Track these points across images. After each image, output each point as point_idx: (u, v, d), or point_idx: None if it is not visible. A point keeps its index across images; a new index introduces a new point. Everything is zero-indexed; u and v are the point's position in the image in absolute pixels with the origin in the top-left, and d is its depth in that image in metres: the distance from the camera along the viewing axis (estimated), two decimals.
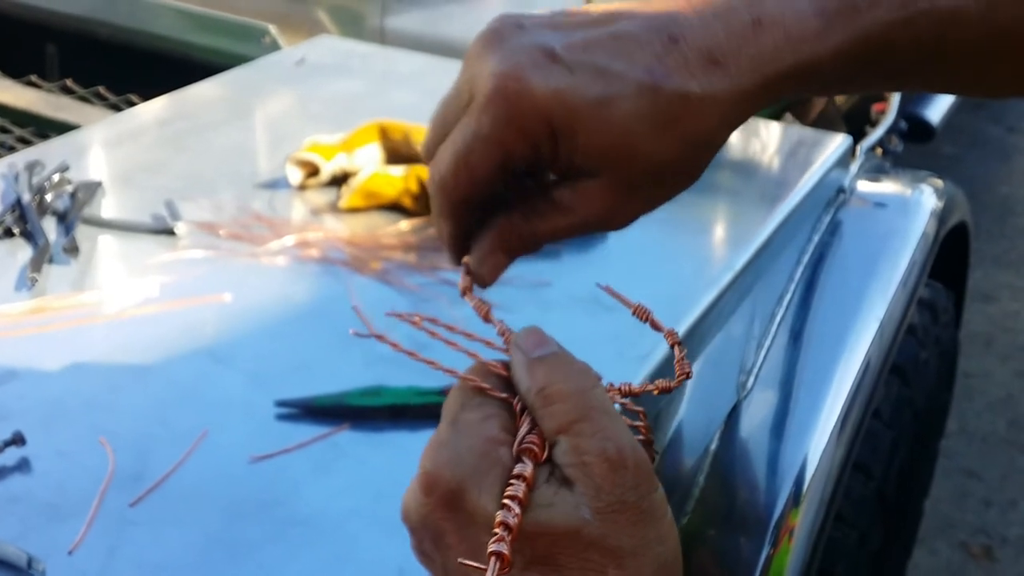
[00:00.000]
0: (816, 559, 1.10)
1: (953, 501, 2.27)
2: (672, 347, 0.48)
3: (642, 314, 0.49)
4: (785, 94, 0.47)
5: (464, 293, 0.51)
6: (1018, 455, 2.43)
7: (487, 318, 0.49)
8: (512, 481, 0.40)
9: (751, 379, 1.13)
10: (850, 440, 1.14)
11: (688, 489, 1.10)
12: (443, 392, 0.79)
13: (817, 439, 1.11)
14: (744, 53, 0.45)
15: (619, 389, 0.47)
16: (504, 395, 0.45)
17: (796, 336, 1.18)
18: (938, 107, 2.47)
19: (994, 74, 0.50)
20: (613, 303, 1.00)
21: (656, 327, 0.49)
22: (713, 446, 1.11)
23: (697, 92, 0.45)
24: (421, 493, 0.42)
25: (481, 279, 0.51)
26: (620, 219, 0.49)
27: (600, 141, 0.45)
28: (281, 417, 0.81)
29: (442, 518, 0.41)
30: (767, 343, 1.15)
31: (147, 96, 1.43)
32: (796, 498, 1.09)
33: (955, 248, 1.55)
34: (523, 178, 0.49)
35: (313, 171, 1.11)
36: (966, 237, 1.57)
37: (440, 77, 1.46)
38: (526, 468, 0.41)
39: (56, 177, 1.09)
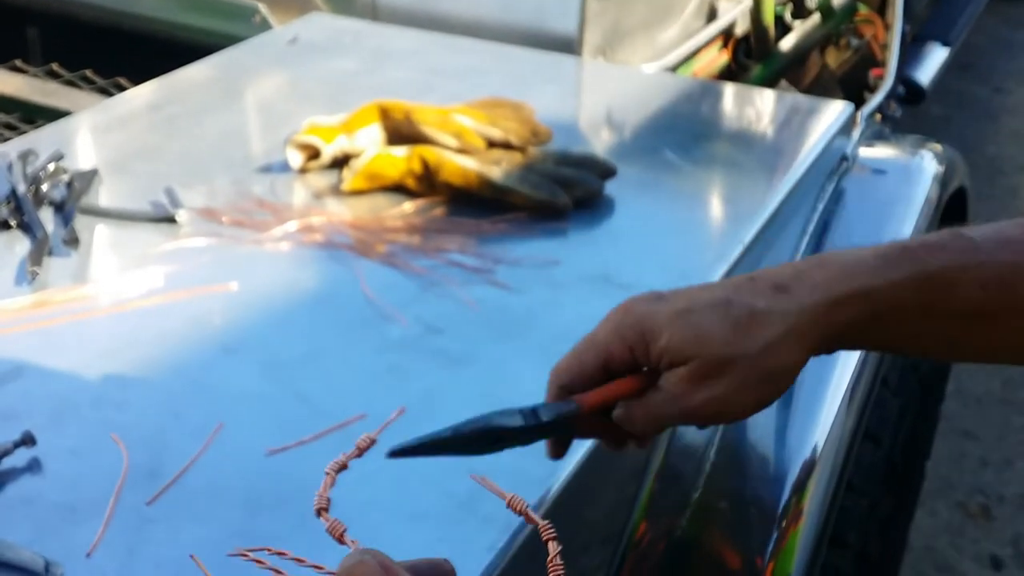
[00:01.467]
0: (828, 529, 1.10)
1: (950, 462, 2.28)
2: (545, 543, 0.46)
3: (516, 506, 0.50)
4: (848, 317, 0.55)
5: (319, 513, 0.52)
6: (1013, 415, 2.44)
7: (340, 539, 0.50)
8: None
9: None
10: (860, 409, 1.14)
11: (699, 464, 1.09)
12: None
13: (827, 409, 1.11)
14: (806, 283, 0.55)
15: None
16: None
17: None
18: (927, 69, 2.46)
19: None
20: (623, 281, 0.99)
21: (530, 520, 0.49)
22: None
23: (762, 307, 0.55)
24: None
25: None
26: (701, 403, 0.56)
27: (681, 336, 0.56)
28: (296, 408, 0.80)
29: None
30: None
31: (136, 79, 1.40)
32: (808, 468, 1.08)
33: (955, 212, 1.54)
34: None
35: (314, 154, 1.10)
36: (965, 201, 1.56)
37: (435, 53, 1.45)
38: None
39: (51, 166, 1.06)
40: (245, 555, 0.48)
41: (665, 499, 1.03)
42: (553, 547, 0.45)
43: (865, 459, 1.20)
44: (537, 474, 0.75)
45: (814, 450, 1.09)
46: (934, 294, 0.55)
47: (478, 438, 0.63)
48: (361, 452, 0.51)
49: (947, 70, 2.69)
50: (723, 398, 0.56)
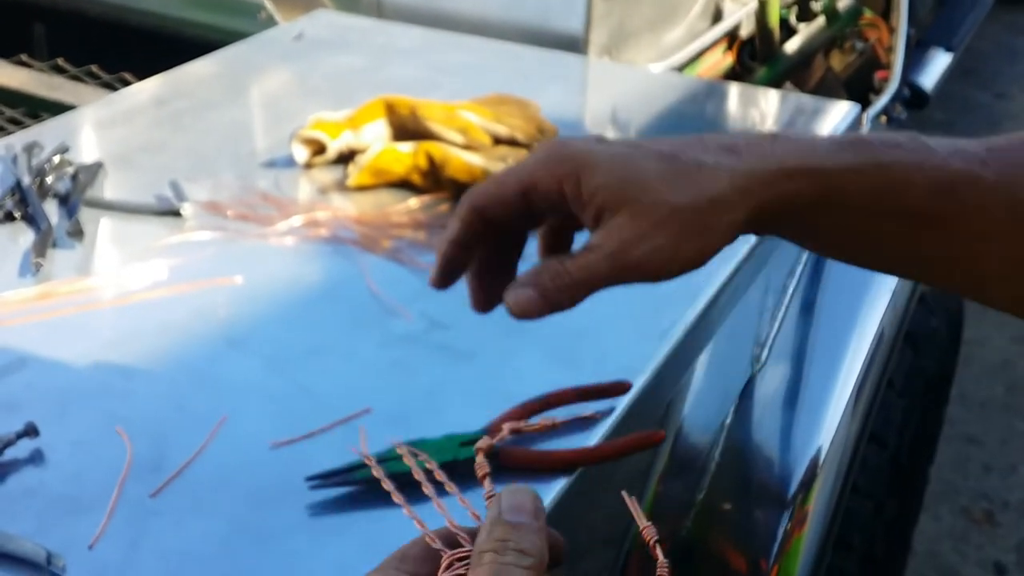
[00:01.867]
0: (834, 531, 1.10)
1: (954, 467, 2.27)
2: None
3: (648, 536, 0.47)
4: (796, 190, 0.51)
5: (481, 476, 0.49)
6: (1017, 420, 2.43)
7: (482, 480, 0.48)
8: None
9: (765, 352, 1.12)
10: (865, 411, 1.13)
11: (704, 464, 1.09)
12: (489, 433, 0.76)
13: (833, 410, 1.10)
14: (756, 150, 0.52)
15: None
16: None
17: (808, 308, 1.17)
18: (931, 74, 2.46)
19: (985, 251, 0.53)
20: None
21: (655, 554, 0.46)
22: (728, 420, 1.10)
23: (710, 162, 0.51)
24: None
25: (509, 308, 0.52)
26: (645, 255, 0.50)
27: (621, 176, 0.51)
28: (301, 401, 0.80)
29: None
30: (780, 315, 1.14)
31: (141, 75, 1.40)
32: (813, 470, 1.08)
33: None
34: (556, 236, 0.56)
35: (319, 149, 1.09)
36: None
37: (440, 51, 1.45)
38: None
39: (56, 159, 1.06)
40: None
41: (669, 501, 1.02)
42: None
43: (871, 461, 1.19)
44: (541, 475, 0.74)
45: (819, 452, 1.08)
46: (886, 187, 0.51)
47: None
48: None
49: (950, 76, 2.69)
50: (668, 249, 0.50)
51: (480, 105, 1.12)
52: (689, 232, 0.50)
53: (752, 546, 1.05)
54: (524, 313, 0.51)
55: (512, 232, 0.55)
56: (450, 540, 0.44)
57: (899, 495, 1.32)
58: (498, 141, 1.09)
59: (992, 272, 0.53)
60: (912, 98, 2.15)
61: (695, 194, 0.50)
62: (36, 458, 0.74)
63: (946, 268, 0.55)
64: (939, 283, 0.59)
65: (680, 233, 0.50)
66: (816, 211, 0.52)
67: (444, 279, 0.56)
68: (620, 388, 0.80)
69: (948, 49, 2.47)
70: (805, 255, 1.17)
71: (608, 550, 0.93)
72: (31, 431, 0.74)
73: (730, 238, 0.51)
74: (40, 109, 1.44)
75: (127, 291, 0.90)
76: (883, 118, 1.44)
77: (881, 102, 1.42)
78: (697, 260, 0.51)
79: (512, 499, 0.44)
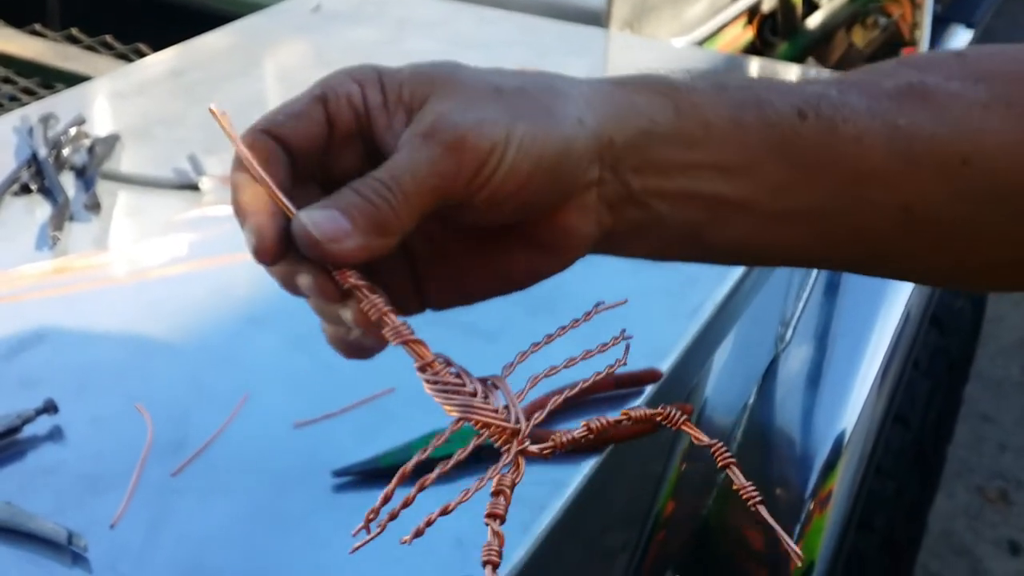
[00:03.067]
0: (857, 513, 1.09)
1: (969, 445, 2.26)
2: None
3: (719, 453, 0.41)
4: (649, 109, 0.43)
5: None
6: None
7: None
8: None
9: (789, 332, 1.11)
10: (891, 391, 1.12)
11: (726, 444, 1.08)
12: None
13: (857, 391, 1.09)
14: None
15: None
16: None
17: (833, 287, 1.15)
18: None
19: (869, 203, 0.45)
20: None
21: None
22: (751, 401, 1.09)
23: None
24: None
25: (305, 235, 0.39)
26: (471, 126, 0.40)
27: (428, 68, 0.42)
28: (323, 380, 0.78)
29: None
30: (805, 295, 1.12)
31: (155, 45, 1.38)
32: (837, 451, 1.07)
33: None
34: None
35: None
36: None
37: (459, 24, 1.42)
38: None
39: (73, 131, 1.04)
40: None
41: (692, 480, 1.01)
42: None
43: (894, 442, 1.18)
44: (571, 455, 0.73)
45: (843, 433, 1.07)
46: (743, 104, 0.43)
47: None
48: None
49: None
50: (500, 125, 0.40)
51: None
52: (522, 109, 0.40)
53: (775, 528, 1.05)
54: (330, 239, 0.39)
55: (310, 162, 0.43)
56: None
57: (920, 476, 1.31)
58: None
59: (884, 226, 0.45)
60: None
61: (531, 81, 0.42)
62: (55, 435, 0.73)
63: (826, 226, 0.45)
64: (816, 249, 0.47)
65: (510, 109, 0.40)
66: (675, 138, 0.42)
67: (277, 242, 0.41)
68: (651, 376, 0.78)
69: (969, 26, 2.43)
70: None
71: (632, 527, 0.92)
72: (50, 408, 0.73)
73: (573, 134, 0.41)
74: (54, 79, 1.42)
75: (145, 266, 0.89)
76: None
77: None
78: (539, 154, 0.40)
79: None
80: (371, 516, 0.36)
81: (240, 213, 0.41)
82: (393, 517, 0.36)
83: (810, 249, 0.47)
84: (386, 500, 0.36)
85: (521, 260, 0.45)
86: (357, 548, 0.36)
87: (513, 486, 0.36)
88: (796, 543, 1.04)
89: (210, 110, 0.40)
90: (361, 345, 0.44)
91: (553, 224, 0.44)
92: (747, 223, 0.45)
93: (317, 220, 0.39)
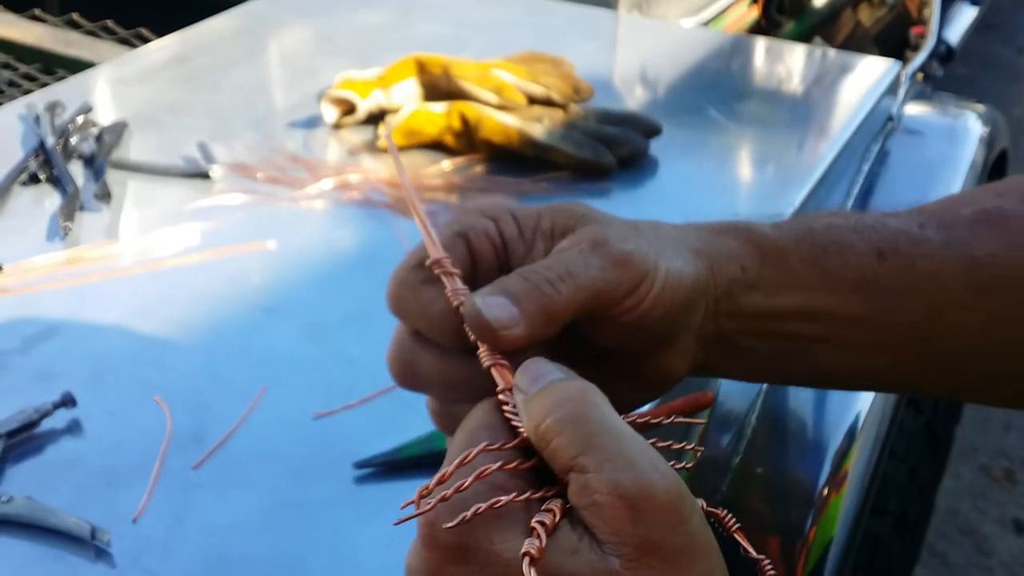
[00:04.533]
0: (871, 496, 1.09)
1: (975, 426, 2.27)
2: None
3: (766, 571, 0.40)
4: (736, 254, 0.46)
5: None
6: None
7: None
8: (535, 524, 0.35)
9: None
10: None
11: (740, 429, 1.07)
12: None
13: None
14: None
15: (634, 420, 0.41)
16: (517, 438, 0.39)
17: None
18: (957, 29, 2.42)
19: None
20: None
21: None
22: (764, 387, 1.08)
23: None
24: (424, 549, 0.36)
25: (479, 321, 0.41)
26: (632, 249, 0.42)
27: (567, 205, 0.45)
28: (341, 370, 0.78)
29: (453, 574, 0.36)
30: None
31: (157, 29, 1.36)
32: (851, 435, 1.06)
33: (995, 175, 1.51)
34: None
35: (349, 109, 1.06)
36: (1005, 164, 1.53)
37: (466, 6, 1.41)
38: (545, 516, 0.35)
39: (80, 119, 1.03)
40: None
41: (707, 464, 1.01)
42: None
43: (907, 426, 1.18)
44: None
45: (857, 416, 1.07)
46: (823, 248, 0.45)
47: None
48: None
49: (973, 30, 2.65)
50: (650, 252, 0.42)
51: (514, 63, 1.08)
52: (662, 248, 0.43)
53: (789, 510, 1.04)
54: (502, 326, 0.40)
55: None
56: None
57: (931, 459, 1.31)
58: (533, 101, 1.06)
59: (960, 351, 0.47)
60: (945, 54, 2.11)
61: (653, 226, 0.45)
62: (74, 429, 0.72)
63: (905, 354, 0.47)
64: (897, 375, 0.49)
65: (654, 245, 0.43)
66: (761, 284, 0.45)
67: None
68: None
69: (974, 3, 2.42)
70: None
71: None
72: (68, 401, 0.72)
73: (698, 279, 0.44)
74: (56, 65, 1.41)
75: (158, 256, 0.88)
76: (919, 75, 1.40)
77: (919, 59, 1.38)
78: (676, 290, 0.43)
79: (526, 375, 0.39)
80: (424, 492, 0.36)
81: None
82: (444, 499, 0.35)
83: (895, 375, 0.49)
84: (441, 481, 0.36)
85: (620, 389, 0.45)
86: (402, 521, 0.35)
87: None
88: (811, 527, 1.04)
89: (387, 137, 0.39)
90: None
91: (657, 361, 0.46)
92: (831, 355, 0.47)
93: (490, 304, 0.41)
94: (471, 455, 0.36)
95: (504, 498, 0.35)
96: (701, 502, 0.37)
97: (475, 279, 0.44)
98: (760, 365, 0.48)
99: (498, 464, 0.36)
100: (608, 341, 0.45)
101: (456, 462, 0.36)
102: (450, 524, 0.35)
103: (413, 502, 0.36)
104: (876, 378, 0.49)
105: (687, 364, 0.46)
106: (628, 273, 0.42)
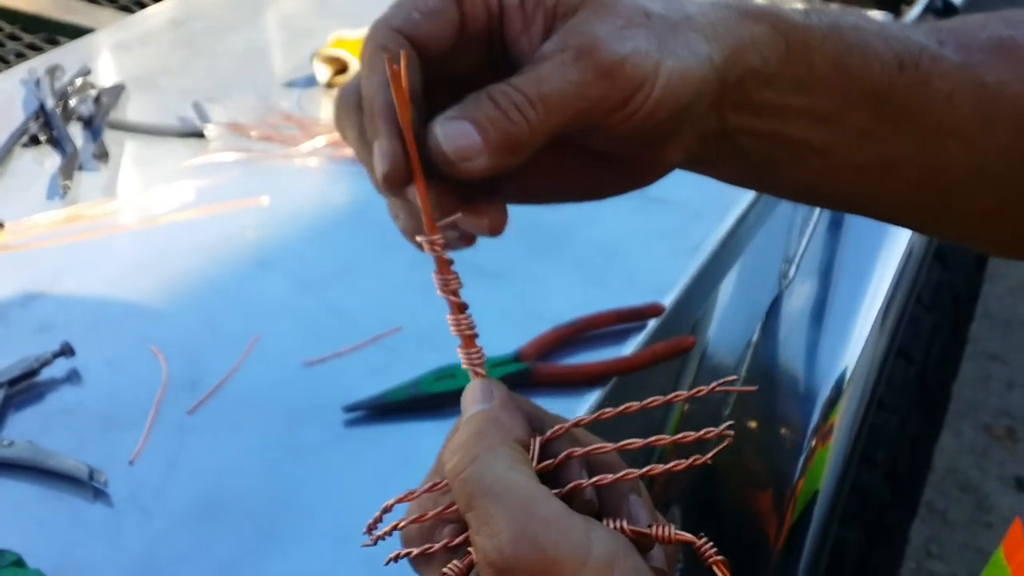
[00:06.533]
0: (859, 447, 1.10)
1: (976, 384, 2.28)
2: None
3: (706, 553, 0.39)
4: (762, 44, 0.42)
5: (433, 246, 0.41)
6: None
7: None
8: (446, 570, 0.37)
9: (793, 268, 1.12)
10: (894, 326, 1.13)
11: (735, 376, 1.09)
12: (519, 358, 0.75)
13: (860, 326, 1.10)
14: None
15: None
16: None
17: (837, 223, 1.15)
18: None
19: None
20: (658, 195, 0.98)
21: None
22: (755, 338, 1.10)
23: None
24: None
25: (441, 147, 0.37)
26: (626, 56, 0.38)
27: None
28: (332, 320, 0.80)
29: None
30: (808, 231, 1.13)
31: None
32: (839, 386, 1.08)
33: None
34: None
35: (341, 68, 1.08)
36: None
37: None
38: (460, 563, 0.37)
39: (78, 81, 1.05)
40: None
41: (695, 419, 1.03)
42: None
43: (897, 376, 1.20)
44: (575, 388, 0.75)
45: (846, 368, 1.08)
46: (847, 50, 0.43)
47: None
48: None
49: None
50: (652, 56, 0.38)
51: None
52: (669, 41, 0.39)
53: (777, 462, 1.06)
54: (462, 157, 0.37)
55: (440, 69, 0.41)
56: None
57: (923, 411, 1.32)
58: None
59: (953, 184, 0.46)
60: (942, 8, 2.09)
61: (670, 5, 0.41)
62: (73, 377, 0.75)
63: (898, 179, 0.46)
64: (885, 200, 0.48)
65: (660, 40, 0.39)
66: (779, 79, 0.43)
67: (402, 168, 0.38)
68: (653, 311, 0.80)
69: None
70: None
71: (636, 467, 0.94)
72: (67, 350, 0.74)
73: (706, 74, 0.40)
74: (58, 33, 1.42)
75: (155, 213, 0.90)
76: None
77: (914, 13, 1.38)
78: (680, 91, 0.39)
79: (467, 395, 0.40)
80: (376, 520, 0.40)
81: (371, 126, 0.39)
82: (394, 529, 0.39)
83: (880, 199, 0.47)
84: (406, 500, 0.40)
85: (607, 178, 0.44)
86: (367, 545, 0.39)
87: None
88: (799, 477, 1.06)
89: (388, 65, 0.37)
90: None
91: (650, 153, 0.43)
92: (824, 167, 0.45)
93: (450, 133, 0.37)
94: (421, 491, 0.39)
95: (436, 545, 0.37)
96: (670, 528, 0.38)
97: (460, 46, 0.40)
98: (752, 168, 0.46)
99: (433, 512, 0.38)
100: (599, 144, 0.42)
101: (420, 490, 0.39)
102: (386, 560, 0.38)
103: (378, 519, 0.39)
104: (865, 199, 0.48)
105: (681, 155, 0.43)
106: (619, 84, 0.38)
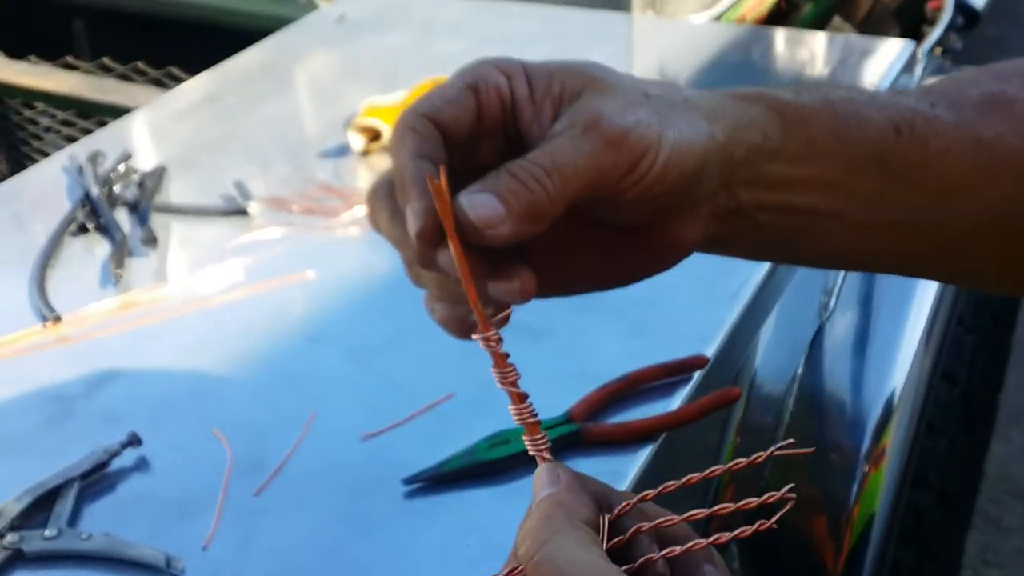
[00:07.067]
0: (911, 469, 1.11)
1: (1022, 390, 2.26)
2: None
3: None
4: (759, 124, 0.45)
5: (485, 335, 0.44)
6: None
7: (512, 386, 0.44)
8: None
9: (833, 300, 1.13)
10: (936, 350, 1.14)
11: (779, 415, 1.10)
12: (570, 419, 0.77)
13: (904, 351, 1.11)
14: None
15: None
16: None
17: None
18: None
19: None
20: None
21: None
22: (799, 371, 1.11)
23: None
24: None
25: (468, 217, 0.40)
26: (631, 128, 0.41)
27: (578, 65, 0.44)
28: (385, 391, 0.82)
29: None
30: None
31: (187, 67, 1.42)
32: (887, 412, 1.09)
33: None
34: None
35: (375, 135, 1.11)
36: None
37: (483, 21, 1.45)
38: None
39: (121, 167, 1.08)
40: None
41: (747, 451, 1.04)
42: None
43: (943, 398, 1.20)
44: (625, 447, 0.76)
45: (892, 394, 1.09)
46: (843, 122, 0.45)
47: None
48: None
49: None
50: (654, 127, 0.42)
51: None
52: (670, 117, 0.43)
53: (832, 489, 1.07)
54: (487, 225, 0.40)
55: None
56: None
57: (970, 429, 1.32)
58: None
59: (964, 234, 0.48)
60: (964, 21, 2.10)
61: (667, 90, 0.44)
62: (141, 465, 0.77)
63: (912, 234, 0.48)
64: (902, 256, 0.50)
65: (660, 115, 0.42)
66: (783, 153, 0.45)
67: (432, 236, 0.41)
68: (698, 362, 0.81)
69: None
70: None
71: (693, 502, 0.95)
72: (134, 440, 0.77)
73: (709, 147, 0.43)
74: (93, 111, 1.47)
75: (206, 295, 0.93)
76: (938, 50, 1.41)
77: (935, 34, 1.39)
78: (683, 160, 0.42)
79: (536, 481, 0.42)
80: None
81: (402, 195, 0.42)
82: None
83: (898, 256, 0.50)
84: None
85: (630, 261, 0.47)
86: None
87: None
88: (854, 504, 1.07)
89: (429, 180, 0.40)
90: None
91: (668, 231, 0.46)
92: (840, 232, 0.48)
93: (475, 204, 0.40)
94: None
95: None
96: None
97: (479, 135, 0.44)
98: (771, 241, 0.48)
99: None
100: (615, 216, 0.45)
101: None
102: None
103: None
104: (883, 257, 0.50)
105: (699, 234, 0.46)
106: (625, 152, 0.41)
